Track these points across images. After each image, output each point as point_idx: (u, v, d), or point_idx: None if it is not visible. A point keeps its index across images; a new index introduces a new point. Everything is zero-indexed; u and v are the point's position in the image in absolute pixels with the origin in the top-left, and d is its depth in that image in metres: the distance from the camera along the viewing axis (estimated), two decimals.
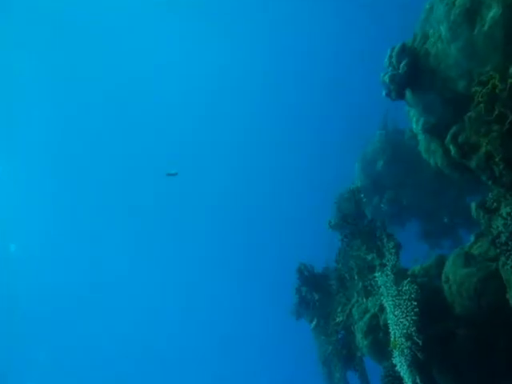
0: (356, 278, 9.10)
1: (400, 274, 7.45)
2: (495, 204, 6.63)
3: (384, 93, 8.05)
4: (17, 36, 29.48)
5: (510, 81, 5.58)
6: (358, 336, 8.25)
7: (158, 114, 37.85)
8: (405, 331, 6.63)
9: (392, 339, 7.00)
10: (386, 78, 7.74)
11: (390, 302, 7.08)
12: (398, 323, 6.80)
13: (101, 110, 36.10)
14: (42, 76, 32.06)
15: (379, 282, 7.63)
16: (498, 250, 6.13)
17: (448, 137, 6.81)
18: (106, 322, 38.96)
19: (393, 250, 7.93)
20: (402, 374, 6.83)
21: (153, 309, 40.30)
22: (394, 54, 7.64)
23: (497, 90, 5.65)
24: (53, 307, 37.42)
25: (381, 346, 7.71)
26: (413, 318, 6.61)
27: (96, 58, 33.37)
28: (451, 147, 6.78)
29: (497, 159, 5.87)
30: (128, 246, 39.49)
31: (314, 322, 10.41)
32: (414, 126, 8.30)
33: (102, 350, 38.05)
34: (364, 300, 8.69)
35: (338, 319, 9.39)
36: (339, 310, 9.43)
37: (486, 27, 5.99)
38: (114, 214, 38.95)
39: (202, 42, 34.04)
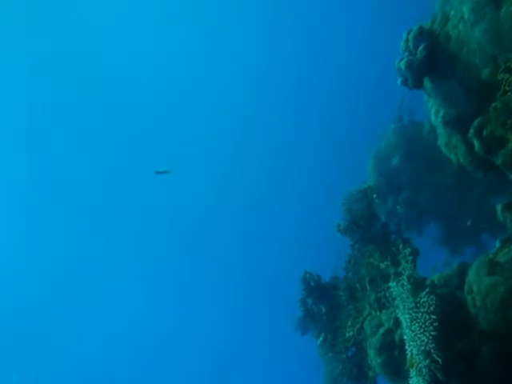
0: (368, 288, 9.07)
1: (417, 284, 7.41)
2: None
3: (399, 81, 8.01)
4: None
5: None
6: (371, 353, 8.21)
7: (152, 112, 38.13)
8: (423, 348, 6.59)
9: (408, 357, 6.95)
10: (402, 65, 7.70)
11: (407, 316, 7.04)
12: (416, 339, 6.75)
13: (82, 105, 36.43)
14: (17, 73, 32.41)
15: (394, 293, 7.59)
16: None
17: (471, 130, 6.76)
18: (84, 336, 38.90)
19: (409, 258, 7.89)
20: None
21: (139, 320, 40.24)
22: (410, 37, 7.60)
23: None
24: (26, 322, 37.35)
25: (396, 365, 7.67)
26: (432, 333, 6.56)
27: (87, 50, 33.83)
28: (475, 141, 6.73)
29: None
30: (105, 252, 39.45)
31: (320, 338, 10.38)
32: (433, 118, 8.25)
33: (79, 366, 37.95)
34: (377, 313, 8.66)
35: (347, 334, 9.35)
36: (349, 324, 9.39)
37: None
38: (89, 217, 38.98)
39: (206, 34, 34.43)
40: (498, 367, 6.31)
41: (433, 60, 7.39)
